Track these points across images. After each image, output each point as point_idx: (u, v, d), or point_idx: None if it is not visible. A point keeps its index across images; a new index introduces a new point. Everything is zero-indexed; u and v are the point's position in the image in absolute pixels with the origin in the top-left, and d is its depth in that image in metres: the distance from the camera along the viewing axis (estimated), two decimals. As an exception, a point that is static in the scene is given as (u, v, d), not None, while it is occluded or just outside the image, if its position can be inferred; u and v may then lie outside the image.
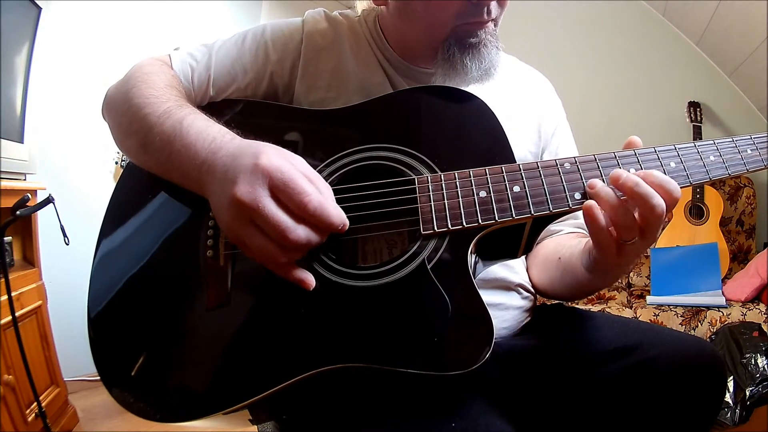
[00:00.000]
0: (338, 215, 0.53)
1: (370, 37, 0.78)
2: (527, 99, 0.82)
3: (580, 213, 0.78)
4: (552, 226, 0.79)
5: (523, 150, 0.77)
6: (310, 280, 0.55)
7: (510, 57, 0.87)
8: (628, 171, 0.57)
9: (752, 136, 0.61)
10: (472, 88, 0.68)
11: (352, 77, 0.75)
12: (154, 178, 0.65)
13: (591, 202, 0.53)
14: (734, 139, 0.60)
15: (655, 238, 0.55)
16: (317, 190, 0.52)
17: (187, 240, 0.62)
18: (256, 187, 0.50)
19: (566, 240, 0.76)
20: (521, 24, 2.81)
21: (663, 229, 2.48)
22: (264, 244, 0.51)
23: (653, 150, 0.59)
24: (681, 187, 0.56)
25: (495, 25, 0.70)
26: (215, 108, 0.71)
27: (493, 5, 0.67)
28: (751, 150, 0.60)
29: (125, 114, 0.66)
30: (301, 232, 0.51)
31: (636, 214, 0.53)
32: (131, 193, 0.68)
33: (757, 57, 2.34)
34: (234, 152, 0.55)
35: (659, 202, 0.52)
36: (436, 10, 0.67)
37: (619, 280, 2.62)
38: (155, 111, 0.63)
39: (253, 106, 0.73)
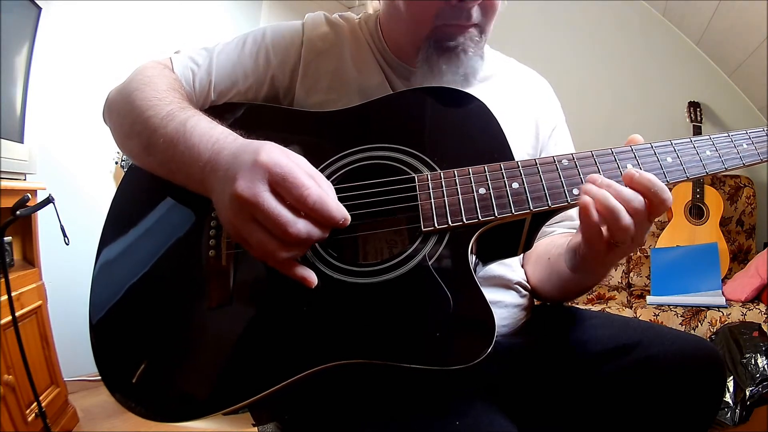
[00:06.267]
0: (338, 209, 0.53)
1: (370, 39, 0.79)
2: (525, 101, 0.83)
3: (575, 214, 0.80)
4: (545, 228, 0.80)
5: (521, 152, 0.78)
6: (312, 277, 0.55)
7: (509, 59, 0.87)
8: (626, 166, 0.57)
9: (748, 131, 0.62)
10: (470, 91, 0.69)
11: (351, 79, 0.75)
12: (154, 182, 0.65)
13: (588, 200, 0.53)
14: (730, 134, 0.61)
15: (642, 241, 0.56)
16: (317, 185, 0.52)
17: (189, 241, 0.62)
18: (255, 182, 0.51)
19: (558, 239, 0.77)
20: (521, 24, 2.81)
21: (662, 228, 2.48)
22: (265, 240, 0.51)
23: (650, 146, 0.60)
24: (678, 182, 0.57)
25: (482, 33, 0.70)
26: (217, 111, 0.71)
27: (475, 10, 0.67)
28: (747, 144, 0.61)
29: (128, 116, 0.67)
30: (301, 226, 0.51)
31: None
32: (132, 197, 0.69)
33: (757, 57, 2.34)
34: (235, 151, 0.55)
35: (638, 205, 0.53)
36: (416, 9, 0.68)
37: (619, 280, 2.62)
38: (158, 113, 0.63)
39: (254, 108, 0.73)
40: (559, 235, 0.79)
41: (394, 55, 0.77)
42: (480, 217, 0.57)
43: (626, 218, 0.52)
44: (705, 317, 1.97)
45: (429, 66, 0.69)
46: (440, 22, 0.67)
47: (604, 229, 0.55)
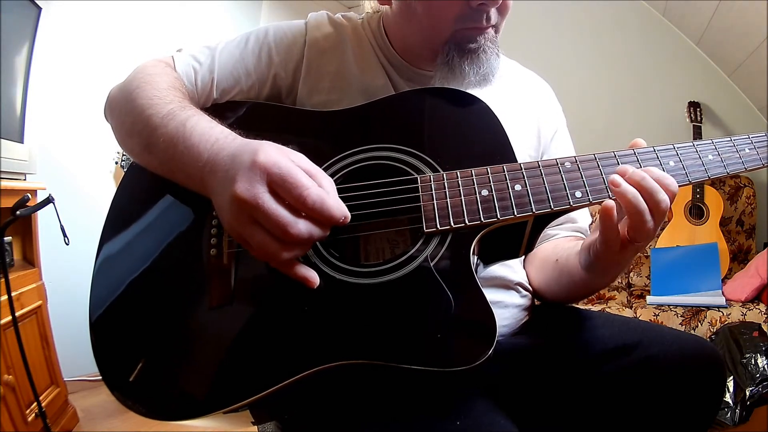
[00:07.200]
0: (338, 208, 0.52)
1: (373, 39, 0.79)
2: (527, 103, 0.83)
3: (577, 217, 0.80)
4: (549, 231, 0.80)
5: (522, 153, 0.78)
6: (314, 277, 0.55)
7: (511, 61, 0.87)
8: None
9: (750, 136, 0.62)
10: (472, 92, 0.69)
11: (354, 80, 0.75)
12: (155, 181, 0.65)
13: (611, 202, 0.54)
14: (732, 138, 0.62)
15: (654, 235, 0.56)
16: (316, 184, 0.52)
17: (191, 240, 0.62)
18: (254, 183, 0.50)
19: (564, 242, 0.77)
20: (521, 24, 2.80)
21: (663, 228, 2.48)
22: (266, 241, 0.51)
23: (652, 149, 0.60)
24: (680, 186, 0.57)
25: (496, 32, 0.71)
26: (219, 109, 0.71)
27: (493, 12, 0.67)
28: (749, 149, 0.61)
29: (129, 115, 0.66)
30: (301, 226, 0.51)
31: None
32: (133, 196, 0.68)
33: (757, 57, 2.34)
34: (234, 152, 0.55)
35: (664, 197, 0.54)
36: (436, 12, 0.67)
37: (619, 280, 2.62)
38: (159, 112, 0.63)
39: (256, 107, 0.73)
40: (564, 239, 0.79)
41: (400, 57, 0.77)
42: (482, 219, 0.57)
43: (649, 218, 0.54)
44: (705, 317, 1.97)
45: (450, 68, 0.69)
46: (461, 26, 0.67)
47: (621, 228, 0.55)
